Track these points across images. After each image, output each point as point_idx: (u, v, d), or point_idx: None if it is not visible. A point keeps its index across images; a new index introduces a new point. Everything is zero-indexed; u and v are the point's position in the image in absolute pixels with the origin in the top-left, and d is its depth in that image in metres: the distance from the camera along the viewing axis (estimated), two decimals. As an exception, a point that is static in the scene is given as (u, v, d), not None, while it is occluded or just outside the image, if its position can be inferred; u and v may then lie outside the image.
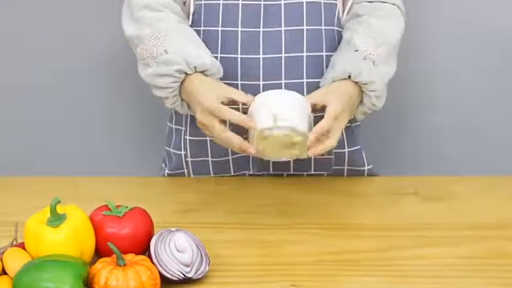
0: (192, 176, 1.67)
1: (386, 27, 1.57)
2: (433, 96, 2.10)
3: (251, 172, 1.66)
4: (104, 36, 2.05)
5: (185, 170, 1.67)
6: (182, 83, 1.50)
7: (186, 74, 1.49)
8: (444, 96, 2.10)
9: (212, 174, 1.66)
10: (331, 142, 1.39)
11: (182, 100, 1.53)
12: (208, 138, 1.61)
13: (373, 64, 1.51)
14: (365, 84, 1.49)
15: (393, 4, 1.62)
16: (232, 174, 1.66)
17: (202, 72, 1.49)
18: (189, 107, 1.54)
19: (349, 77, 1.48)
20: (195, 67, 1.48)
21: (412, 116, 2.12)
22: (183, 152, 1.66)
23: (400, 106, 2.10)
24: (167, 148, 1.72)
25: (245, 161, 1.64)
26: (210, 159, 1.65)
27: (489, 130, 2.12)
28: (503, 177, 1.67)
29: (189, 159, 1.66)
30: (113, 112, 2.12)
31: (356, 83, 1.49)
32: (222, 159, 1.64)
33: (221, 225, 1.44)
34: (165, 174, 1.70)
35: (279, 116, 1.34)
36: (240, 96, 1.44)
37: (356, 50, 1.51)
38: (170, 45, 1.50)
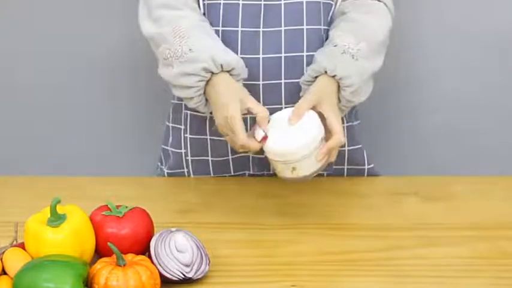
0: (192, 175, 1.67)
1: (368, 23, 1.56)
2: (434, 96, 2.10)
3: (251, 172, 1.66)
4: (100, 37, 2.05)
5: (185, 170, 1.67)
6: (208, 82, 1.47)
7: (213, 72, 1.46)
8: (445, 97, 2.10)
9: (212, 174, 1.66)
10: (338, 137, 1.39)
11: (206, 100, 1.50)
12: (208, 137, 1.61)
13: (352, 58, 1.49)
14: (340, 78, 1.47)
15: (379, 1, 1.61)
16: (233, 174, 1.66)
17: (228, 71, 1.47)
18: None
19: (326, 72, 1.47)
20: (221, 65, 1.45)
21: (413, 116, 2.12)
22: (183, 151, 1.66)
23: (401, 106, 2.10)
24: (164, 146, 1.72)
25: (245, 160, 1.64)
26: (210, 158, 1.65)
27: (490, 130, 2.12)
28: (503, 177, 1.67)
29: (189, 157, 1.66)
30: (111, 112, 2.12)
31: (333, 77, 1.48)
32: (223, 158, 1.64)
33: (221, 225, 1.44)
34: (165, 173, 1.70)
35: (298, 168, 1.36)
36: (258, 109, 1.41)
37: (335, 45, 1.51)
38: (194, 43, 1.47)
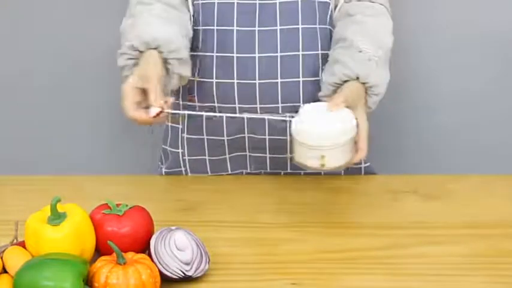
0: (189, 174, 1.68)
1: (379, 28, 1.57)
2: (432, 95, 2.10)
3: (248, 170, 1.66)
4: (98, 37, 2.05)
5: (182, 169, 1.67)
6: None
7: (140, 51, 1.46)
8: (443, 96, 2.10)
9: (209, 173, 1.67)
10: (362, 155, 1.41)
11: None
12: (205, 136, 1.62)
13: (376, 65, 1.51)
14: (370, 86, 1.49)
15: (381, 4, 1.61)
16: (230, 172, 1.66)
17: (155, 48, 1.45)
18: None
19: (357, 78, 1.48)
20: (145, 42, 1.45)
21: (412, 115, 2.12)
22: (180, 150, 1.66)
23: (400, 105, 2.10)
24: (164, 146, 1.72)
25: (242, 159, 1.64)
26: (207, 157, 1.65)
27: (488, 129, 2.12)
28: (502, 176, 1.66)
29: (186, 157, 1.66)
30: (111, 111, 2.13)
31: (363, 84, 1.48)
32: (220, 157, 1.65)
33: (221, 224, 1.44)
34: (163, 172, 1.70)
35: (327, 157, 1.34)
36: (153, 99, 1.39)
37: (360, 51, 1.51)
38: (137, 28, 1.48)
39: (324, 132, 1.34)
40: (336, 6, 1.61)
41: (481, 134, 2.12)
